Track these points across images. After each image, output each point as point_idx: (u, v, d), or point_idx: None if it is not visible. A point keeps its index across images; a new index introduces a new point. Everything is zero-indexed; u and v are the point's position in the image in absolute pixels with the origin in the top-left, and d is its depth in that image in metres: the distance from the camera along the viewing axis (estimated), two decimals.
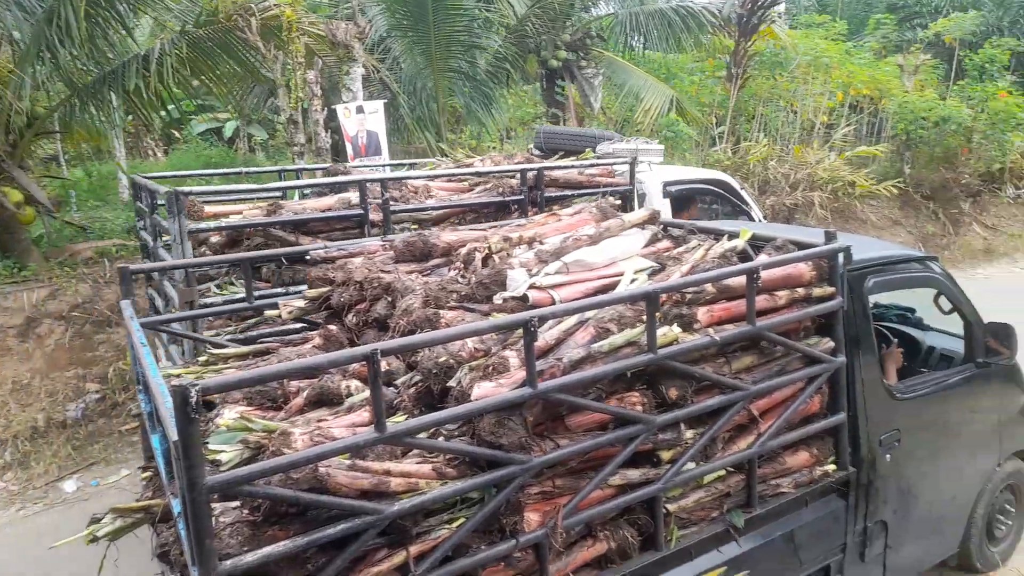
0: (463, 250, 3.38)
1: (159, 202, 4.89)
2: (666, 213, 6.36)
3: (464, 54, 10.76)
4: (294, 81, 8.06)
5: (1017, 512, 4.68)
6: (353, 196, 4.57)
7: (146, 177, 5.65)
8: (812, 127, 14.11)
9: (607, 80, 13.41)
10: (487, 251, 3.26)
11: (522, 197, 5.01)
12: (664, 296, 2.82)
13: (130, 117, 10.67)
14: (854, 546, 3.51)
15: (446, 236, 3.66)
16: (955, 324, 4.35)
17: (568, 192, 5.37)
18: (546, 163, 5.74)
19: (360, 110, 7.86)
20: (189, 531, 1.84)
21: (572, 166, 5.65)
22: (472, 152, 7.93)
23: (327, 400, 2.76)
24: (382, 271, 3.40)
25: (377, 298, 3.26)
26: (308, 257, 3.74)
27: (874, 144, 14.35)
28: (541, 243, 3.35)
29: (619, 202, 5.32)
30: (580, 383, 2.46)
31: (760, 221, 7.09)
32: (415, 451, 2.36)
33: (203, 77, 8.62)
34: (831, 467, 3.35)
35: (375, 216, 4.56)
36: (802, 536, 3.25)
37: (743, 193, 7.22)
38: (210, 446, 2.30)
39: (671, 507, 2.84)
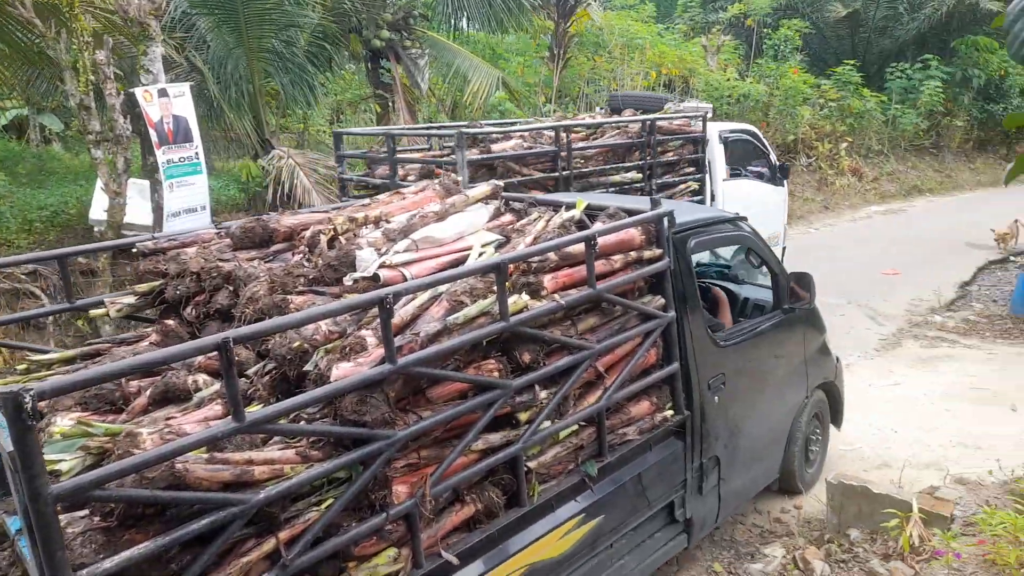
0: (307, 233, 3.31)
1: (397, 147, 6.30)
2: (722, 154, 8.40)
3: (279, 33, 10.21)
4: (82, 63, 7.21)
5: (822, 437, 5.34)
6: (518, 142, 6.18)
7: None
8: None
9: (434, 61, 13.35)
10: (332, 232, 3.23)
11: (643, 139, 6.79)
12: (512, 266, 2.95)
13: None
14: (693, 481, 3.87)
15: (286, 220, 3.56)
16: (765, 277, 4.86)
17: (666, 136, 7.13)
18: (657, 115, 7.28)
19: (163, 93, 7.22)
20: (36, 546, 1.71)
21: (667, 117, 7.37)
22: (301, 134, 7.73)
23: (173, 397, 2.62)
24: (220, 260, 3.26)
25: (217, 288, 3.12)
26: (135, 250, 3.49)
27: None
28: (388, 222, 3.35)
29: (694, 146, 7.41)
30: (438, 355, 2.53)
31: (775, 161, 9.34)
32: (278, 437, 2.32)
33: None
34: (669, 412, 3.67)
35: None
36: (648, 477, 3.54)
37: (764, 140, 9.52)
38: (46, 456, 2.12)
39: (532, 465, 3.00)
